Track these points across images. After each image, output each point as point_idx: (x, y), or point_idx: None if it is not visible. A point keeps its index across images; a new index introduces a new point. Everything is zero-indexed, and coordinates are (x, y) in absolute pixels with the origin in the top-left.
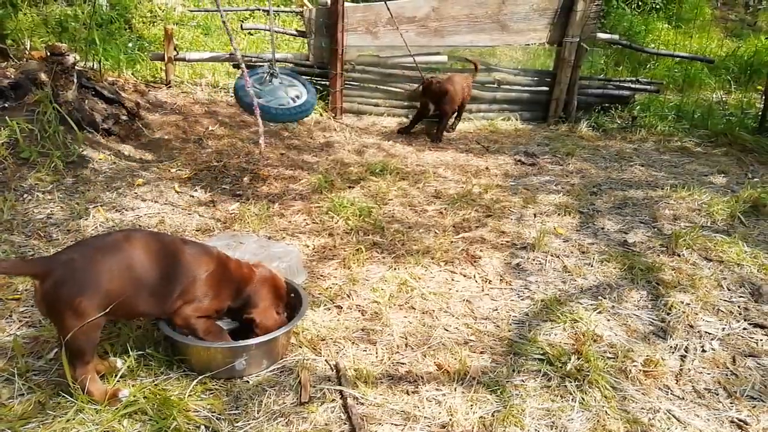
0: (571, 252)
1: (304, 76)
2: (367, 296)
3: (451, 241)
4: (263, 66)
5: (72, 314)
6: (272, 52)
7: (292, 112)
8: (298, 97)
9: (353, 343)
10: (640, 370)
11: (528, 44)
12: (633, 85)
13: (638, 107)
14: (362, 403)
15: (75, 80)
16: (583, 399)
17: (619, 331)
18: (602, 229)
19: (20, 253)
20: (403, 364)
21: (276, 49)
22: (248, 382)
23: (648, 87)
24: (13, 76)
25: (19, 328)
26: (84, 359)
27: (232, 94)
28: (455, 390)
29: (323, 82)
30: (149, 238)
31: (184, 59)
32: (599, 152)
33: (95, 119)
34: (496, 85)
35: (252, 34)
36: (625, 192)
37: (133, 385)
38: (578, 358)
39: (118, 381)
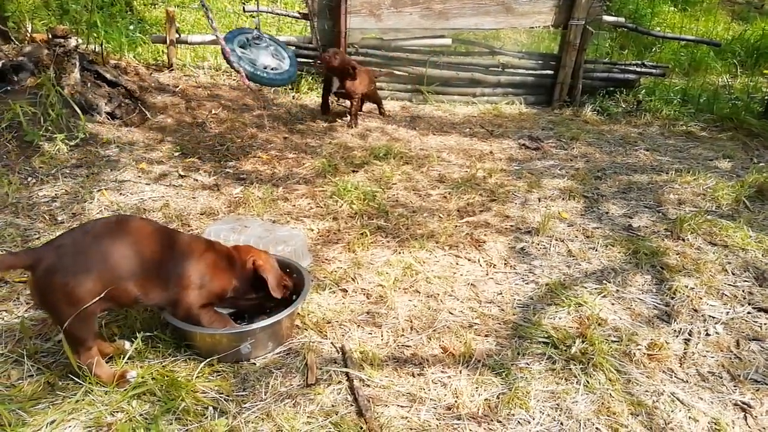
0: (576, 236)
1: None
2: (372, 280)
3: (456, 226)
4: (249, 31)
5: (66, 301)
6: (257, 22)
7: (276, 77)
8: (280, 64)
9: (359, 325)
10: (644, 354)
11: (533, 27)
12: (638, 69)
13: (643, 91)
14: (368, 385)
15: (77, 63)
16: (588, 382)
17: (624, 315)
18: (607, 213)
19: (26, 236)
20: (408, 346)
21: (278, 32)
22: (255, 364)
23: (653, 71)
24: (14, 59)
25: (26, 311)
26: (86, 345)
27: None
28: (460, 372)
29: None
30: (142, 223)
31: (186, 42)
32: (604, 136)
33: (98, 102)
34: (500, 69)
35: (254, 17)
36: (629, 176)
37: (141, 367)
38: (583, 342)
39: (126, 363)
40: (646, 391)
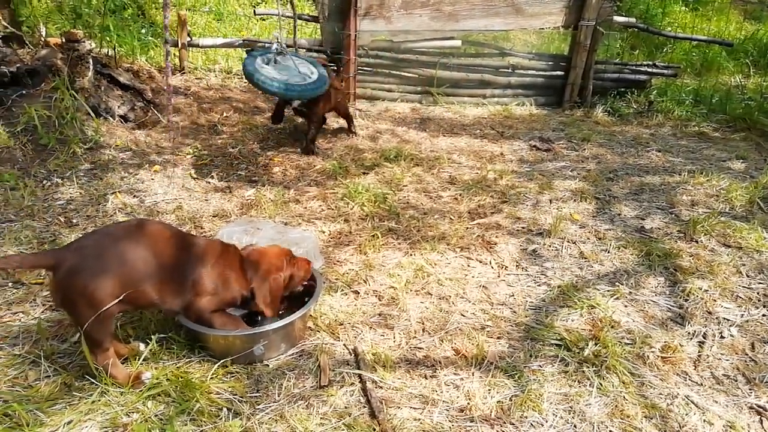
0: (588, 238)
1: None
2: (384, 282)
3: (467, 227)
4: (270, 46)
5: (86, 303)
6: (278, 33)
7: (308, 87)
8: (311, 74)
9: (371, 327)
10: (658, 356)
11: (543, 28)
12: (650, 69)
13: (655, 92)
14: (381, 387)
15: (91, 67)
16: (601, 384)
17: (637, 317)
18: (619, 215)
19: (42, 238)
20: (420, 348)
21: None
22: (268, 365)
23: (665, 71)
24: (29, 63)
25: (42, 312)
26: (102, 347)
27: (244, 76)
28: (473, 374)
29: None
30: (160, 227)
31: (197, 45)
32: (615, 137)
33: (111, 105)
34: (510, 70)
35: (264, 20)
36: (641, 178)
37: (155, 368)
38: (596, 344)
39: (141, 364)
40: (660, 394)
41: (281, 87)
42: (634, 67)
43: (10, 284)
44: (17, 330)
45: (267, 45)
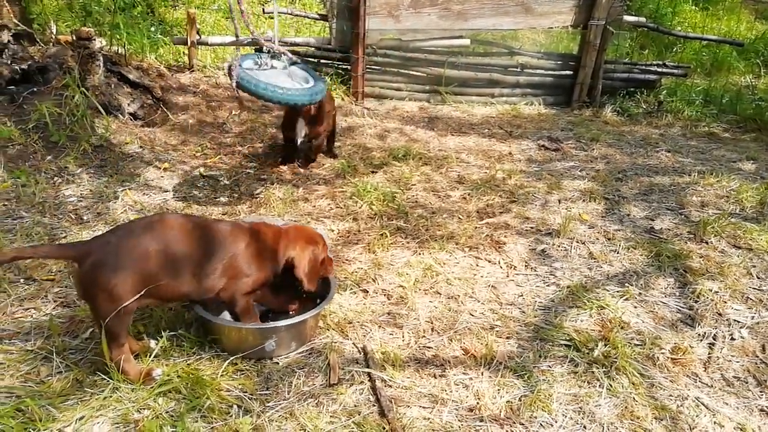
0: (597, 238)
1: (321, 61)
2: (393, 281)
3: (476, 227)
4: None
5: (107, 297)
6: (275, 31)
7: (299, 94)
8: (306, 81)
9: (380, 326)
10: (668, 358)
11: (552, 27)
12: (659, 69)
13: (664, 92)
14: (390, 386)
15: (101, 64)
16: (611, 385)
17: (647, 318)
18: (628, 215)
19: (53, 235)
20: (429, 347)
21: (297, 33)
22: (278, 363)
23: (675, 71)
24: (40, 61)
25: (54, 308)
26: (119, 341)
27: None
28: (482, 374)
29: (345, 66)
30: (183, 219)
31: (206, 43)
32: (624, 138)
33: (121, 103)
34: (519, 69)
35: (273, 18)
36: (651, 178)
37: (166, 365)
38: (605, 345)
39: (152, 361)
40: (670, 395)
41: (274, 92)
42: (643, 67)
43: (21, 280)
44: (29, 326)
45: (266, 40)
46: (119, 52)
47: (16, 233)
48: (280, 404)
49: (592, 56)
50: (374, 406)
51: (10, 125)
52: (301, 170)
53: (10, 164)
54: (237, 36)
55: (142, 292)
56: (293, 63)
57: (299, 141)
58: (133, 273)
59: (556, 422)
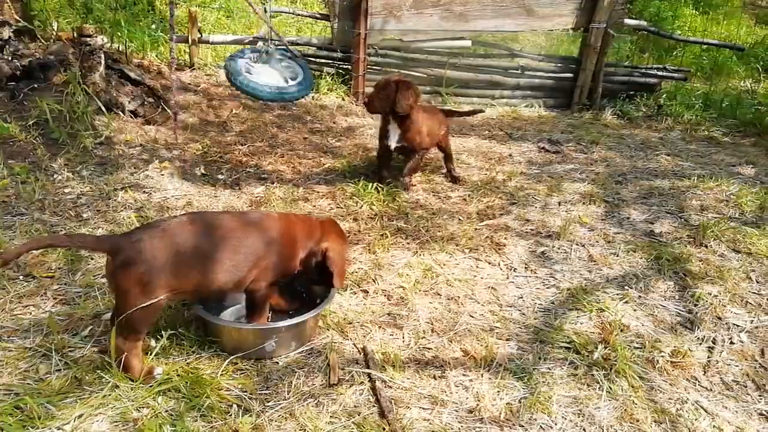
0: (597, 241)
1: (312, 58)
2: (393, 281)
3: (476, 228)
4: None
5: (138, 293)
6: (270, 29)
7: (282, 93)
8: (294, 78)
9: (380, 327)
10: (667, 361)
11: (553, 29)
12: (660, 73)
13: (664, 95)
14: (390, 387)
15: (102, 62)
16: (611, 388)
17: (646, 322)
18: (628, 218)
19: (53, 232)
20: (429, 349)
21: (298, 33)
22: (278, 363)
23: (675, 75)
24: (41, 57)
25: (53, 306)
26: (137, 336)
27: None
28: (482, 376)
29: (346, 66)
30: (213, 217)
31: (207, 42)
32: (624, 141)
33: (122, 101)
34: (519, 71)
35: (273, 17)
36: (650, 181)
37: (166, 364)
38: (605, 348)
39: (152, 359)
40: (670, 398)
41: (255, 90)
42: (644, 70)
43: (20, 277)
44: (28, 323)
45: (277, 43)
46: (120, 49)
47: (16, 230)
48: (279, 404)
49: (593, 59)
50: (374, 406)
51: (10, 122)
52: (406, 190)
53: (10, 161)
54: (268, 32)
55: (172, 291)
56: (290, 57)
57: (392, 143)
58: (164, 271)
59: (555, 424)
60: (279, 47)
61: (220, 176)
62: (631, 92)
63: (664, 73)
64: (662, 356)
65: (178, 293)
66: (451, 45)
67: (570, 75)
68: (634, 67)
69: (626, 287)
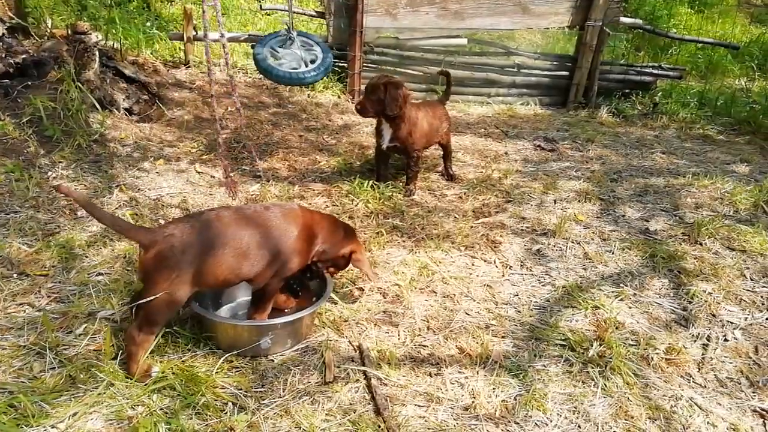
0: (592, 239)
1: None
2: (389, 279)
3: (471, 226)
4: (282, 31)
5: (166, 287)
6: (290, 17)
7: (307, 75)
8: (313, 60)
9: (375, 324)
10: (662, 358)
11: (549, 28)
12: (655, 71)
13: (660, 93)
14: (386, 384)
15: (96, 59)
16: (606, 385)
17: (641, 319)
18: (623, 216)
19: (47, 230)
20: (425, 346)
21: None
22: (273, 360)
23: (670, 73)
24: (35, 54)
25: (47, 303)
26: (153, 328)
27: (253, 61)
28: (477, 373)
29: (342, 64)
30: (237, 213)
31: (202, 39)
32: (620, 139)
33: (116, 98)
34: (515, 69)
35: (269, 15)
36: (646, 179)
37: (161, 362)
38: (600, 345)
39: (147, 357)
40: (664, 395)
41: (283, 75)
42: (639, 69)
43: (14, 275)
44: (22, 321)
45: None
46: (115, 46)
47: (9, 228)
48: (275, 402)
49: (589, 57)
50: (369, 404)
51: (4, 119)
52: (410, 197)
53: (4, 158)
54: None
55: (200, 285)
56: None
57: (384, 143)
58: (192, 267)
59: (551, 421)
60: (300, 34)
61: (215, 174)
62: (627, 90)
63: (660, 72)
64: (657, 353)
65: (203, 287)
66: (447, 43)
67: (566, 73)
68: (629, 65)
69: (621, 285)
